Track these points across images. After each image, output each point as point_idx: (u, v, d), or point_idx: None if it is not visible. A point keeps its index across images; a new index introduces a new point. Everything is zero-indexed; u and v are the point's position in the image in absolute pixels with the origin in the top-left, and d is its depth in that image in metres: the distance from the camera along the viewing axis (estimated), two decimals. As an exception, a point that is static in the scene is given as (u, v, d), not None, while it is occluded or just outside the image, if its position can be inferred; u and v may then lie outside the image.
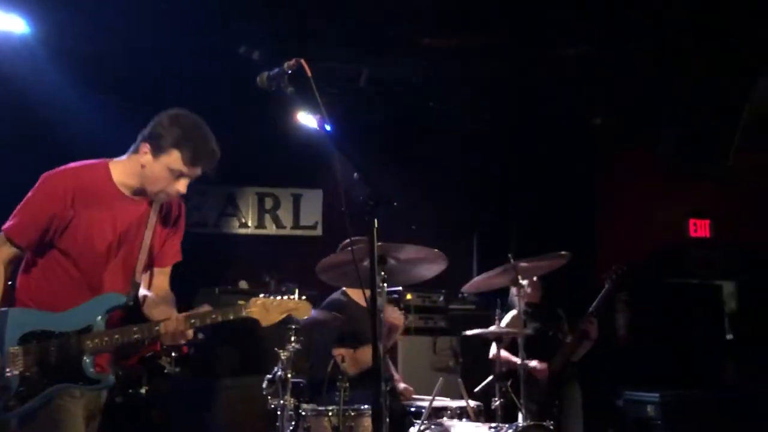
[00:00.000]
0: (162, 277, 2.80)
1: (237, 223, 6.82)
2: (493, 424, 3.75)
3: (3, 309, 2.54)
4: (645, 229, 7.39)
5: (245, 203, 6.86)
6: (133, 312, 2.69)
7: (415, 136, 6.81)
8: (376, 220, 2.30)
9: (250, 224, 6.86)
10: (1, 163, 4.78)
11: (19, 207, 2.62)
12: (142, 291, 2.77)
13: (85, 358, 2.51)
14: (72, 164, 2.67)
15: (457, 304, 6.18)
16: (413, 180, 6.67)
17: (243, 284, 5.48)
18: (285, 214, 6.96)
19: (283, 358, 3.55)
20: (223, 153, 2.68)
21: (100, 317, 2.56)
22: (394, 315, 4.24)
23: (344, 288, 4.55)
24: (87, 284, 2.61)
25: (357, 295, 4.51)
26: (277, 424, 3.55)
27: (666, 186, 7.15)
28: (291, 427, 3.52)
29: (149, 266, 2.78)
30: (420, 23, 5.41)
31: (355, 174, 2.29)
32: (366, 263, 3.03)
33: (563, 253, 4.16)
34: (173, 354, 5.62)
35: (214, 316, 2.56)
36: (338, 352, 4.08)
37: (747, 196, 7.32)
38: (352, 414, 3.64)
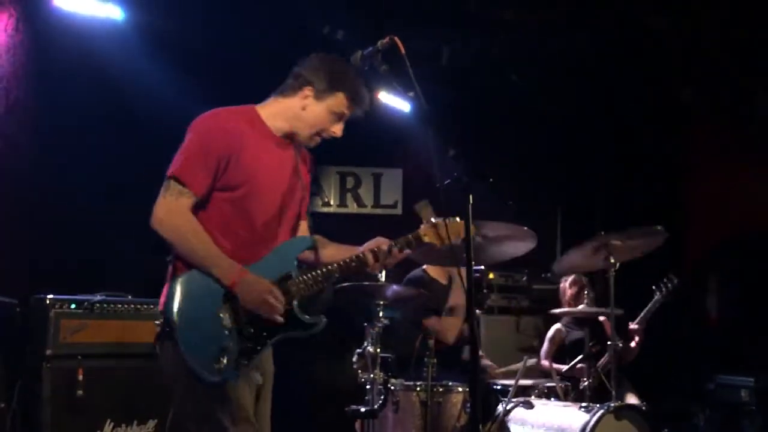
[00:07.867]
0: (305, 226, 2.77)
1: (320, 202, 6.92)
2: (584, 404, 3.70)
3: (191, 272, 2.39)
4: (736, 209, 7.07)
5: (327, 182, 6.95)
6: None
7: (496, 113, 6.72)
8: (471, 196, 2.30)
9: (332, 203, 6.95)
10: (98, 153, 4.83)
11: (178, 154, 2.46)
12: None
13: (294, 303, 2.49)
14: (219, 109, 2.57)
15: (541, 283, 6.10)
16: (494, 157, 6.59)
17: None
18: (366, 193, 7.02)
19: (372, 332, 3.61)
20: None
21: (295, 262, 2.56)
22: (437, 326, 4.34)
23: (424, 266, 4.60)
24: (262, 235, 2.52)
25: (436, 273, 4.59)
26: (367, 397, 3.61)
27: (760, 164, 6.80)
28: (380, 401, 3.58)
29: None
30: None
31: (451, 150, 2.30)
32: (453, 240, 3.05)
33: (659, 228, 3.76)
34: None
35: (397, 247, 2.67)
36: (429, 322, 4.28)
37: None
38: (440, 390, 3.67)
